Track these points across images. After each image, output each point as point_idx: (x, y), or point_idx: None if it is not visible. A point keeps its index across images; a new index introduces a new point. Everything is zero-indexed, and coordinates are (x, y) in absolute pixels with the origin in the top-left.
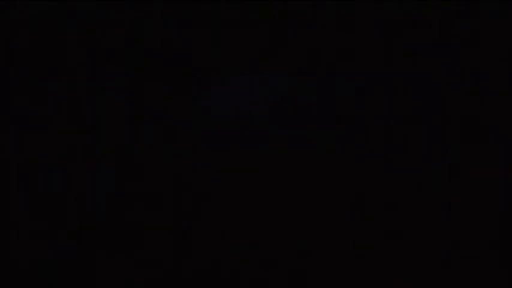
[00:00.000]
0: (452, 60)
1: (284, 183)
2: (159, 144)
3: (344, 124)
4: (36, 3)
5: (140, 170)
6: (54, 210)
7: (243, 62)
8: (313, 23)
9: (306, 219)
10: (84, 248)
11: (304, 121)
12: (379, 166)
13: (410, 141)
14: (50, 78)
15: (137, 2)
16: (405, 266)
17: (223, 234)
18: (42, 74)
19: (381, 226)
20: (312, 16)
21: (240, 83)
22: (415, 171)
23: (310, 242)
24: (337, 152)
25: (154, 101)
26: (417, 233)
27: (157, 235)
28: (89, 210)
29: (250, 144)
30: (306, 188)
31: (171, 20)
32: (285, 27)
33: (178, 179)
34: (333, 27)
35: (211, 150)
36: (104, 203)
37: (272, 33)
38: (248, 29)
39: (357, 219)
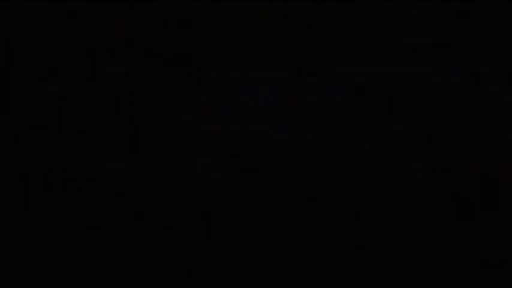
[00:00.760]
0: (452, 60)
1: (284, 183)
2: (159, 144)
3: (344, 124)
4: (36, 3)
5: (140, 170)
6: (53, 211)
7: (243, 62)
8: (313, 23)
9: (306, 219)
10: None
11: (304, 121)
12: (379, 166)
13: (410, 141)
14: (50, 78)
15: (137, 2)
16: (406, 266)
17: (223, 235)
18: (42, 74)
19: (381, 226)
20: (312, 16)
21: (240, 82)
22: (414, 171)
23: (310, 242)
24: (336, 152)
25: (155, 101)
26: (417, 233)
27: (158, 236)
28: (93, 211)
29: (250, 144)
30: (306, 188)
31: (171, 20)
32: (285, 27)
33: (178, 179)
34: (333, 27)
35: (211, 149)
36: (107, 205)
37: (272, 33)
38: (248, 29)
39: (356, 219)
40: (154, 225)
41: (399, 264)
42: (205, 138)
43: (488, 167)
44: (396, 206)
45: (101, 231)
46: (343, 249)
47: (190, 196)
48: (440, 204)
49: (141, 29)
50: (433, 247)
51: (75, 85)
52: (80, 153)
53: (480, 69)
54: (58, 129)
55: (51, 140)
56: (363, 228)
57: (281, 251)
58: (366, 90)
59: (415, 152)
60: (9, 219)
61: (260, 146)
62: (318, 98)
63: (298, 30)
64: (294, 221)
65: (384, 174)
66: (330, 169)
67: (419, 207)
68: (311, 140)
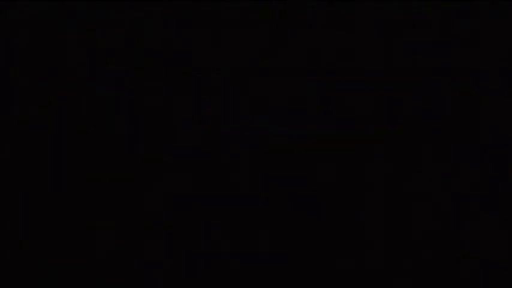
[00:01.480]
0: (452, 60)
1: (284, 183)
2: (159, 144)
3: (344, 124)
4: (36, 3)
5: (140, 170)
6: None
7: (243, 62)
8: (313, 23)
9: (306, 219)
10: None
11: (305, 121)
12: (379, 166)
13: (410, 141)
14: (50, 78)
15: (137, 2)
16: (405, 266)
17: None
18: (42, 74)
19: (381, 226)
20: (312, 16)
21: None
22: (415, 171)
23: (310, 242)
24: (336, 152)
25: (155, 101)
26: (417, 233)
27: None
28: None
29: (250, 144)
30: (305, 188)
31: (171, 20)
32: (285, 27)
33: (178, 179)
34: (333, 27)
35: (210, 149)
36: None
37: (272, 33)
38: (248, 29)
39: (356, 219)
40: (156, 226)
41: (399, 264)
42: (205, 137)
43: (488, 167)
44: (396, 206)
45: (101, 231)
46: (343, 249)
47: (191, 196)
48: (440, 205)
49: (141, 29)
50: (433, 247)
51: (75, 85)
52: (80, 153)
53: (480, 69)
54: (58, 130)
55: (51, 140)
56: (363, 229)
57: (282, 252)
58: (366, 90)
59: (415, 151)
60: (8, 219)
61: (261, 146)
62: (318, 98)
63: (298, 30)
64: (293, 221)
65: (383, 174)
66: (329, 169)
67: (420, 207)
68: (311, 140)
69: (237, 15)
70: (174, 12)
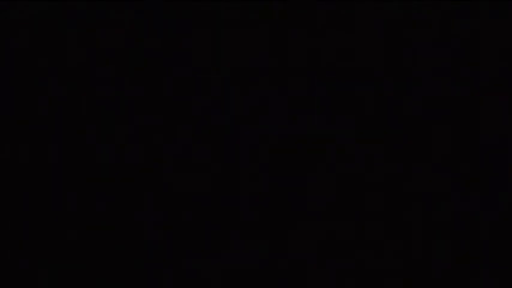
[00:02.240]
0: (452, 60)
1: (284, 182)
2: (159, 144)
3: (344, 124)
4: (36, 3)
5: (140, 170)
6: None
7: (243, 62)
8: (313, 23)
9: (307, 219)
10: None
11: (305, 121)
12: (379, 166)
13: (410, 141)
14: (50, 78)
15: (137, 2)
16: (405, 266)
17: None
18: (42, 74)
19: (381, 226)
20: (312, 16)
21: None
22: (415, 171)
23: (310, 242)
24: (336, 152)
25: (155, 101)
26: (417, 233)
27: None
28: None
29: (250, 144)
30: (305, 188)
31: (171, 20)
32: (285, 27)
33: (178, 179)
34: (333, 27)
35: (210, 149)
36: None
37: (272, 33)
38: (248, 29)
39: (357, 219)
40: (155, 227)
41: (399, 265)
42: (205, 137)
43: (488, 168)
44: (396, 206)
45: (101, 231)
46: (343, 249)
47: (194, 196)
48: (440, 205)
49: (141, 29)
50: (433, 247)
51: (75, 85)
52: (80, 153)
53: (480, 69)
54: (58, 130)
55: (51, 140)
56: (363, 229)
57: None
58: (366, 90)
59: (416, 151)
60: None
61: (261, 146)
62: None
63: (298, 30)
64: (294, 220)
65: (383, 174)
66: (329, 168)
67: (420, 207)
68: (311, 140)
69: (237, 15)
70: (174, 12)
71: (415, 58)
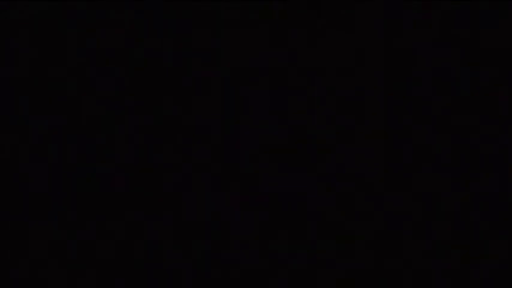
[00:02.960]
0: (452, 60)
1: (284, 182)
2: (159, 145)
3: (344, 124)
4: (36, 3)
5: (140, 170)
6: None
7: (243, 62)
8: (313, 23)
9: (306, 219)
10: None
11: (305, 120)
12: (379, 166)
13: (410, 141)
14: (50, 78)
15: (137, 2)
16: (405, 266)
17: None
18: (42, 74)
19: (382, 226)
20: (311, 16)
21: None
22: (415, 172)
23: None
24: (336, 152)
25: (154, 101)
26: (417, 233)
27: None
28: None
29: (250, 143)
30: (305, 187)
31: (171, 20)
32: (285, 27)
33: (178, 179)
34: (333, 27)
35: (210, 149)
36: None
37: (272, 33)
38: (248, 29)
39: (356, 219)
40: (155, 226)
41: (399, 265)
42: (205, 137)
43: (488, 168)
44: (396, 207)
45: (101, 231)
46: (343, 249)
47: (190, 196)
48: (440, 205)
49: (141, 29)
50: (433, 246)
51: (75, 85)
52: (80, 153)
53: (480, 69)
54: (58, 130)
55: (51, 140)
56: (363, 229)
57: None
58: (366, 90)
59: (416, 151)
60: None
61: (260, 145)
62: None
63: (298, 30)
64: (294, 220)
65: (384, 174)
66: (328, 168)
67: (420, 207)
68: (312, 140)
69: (237, 15)
70: (174, 12)
71: (415, 58)
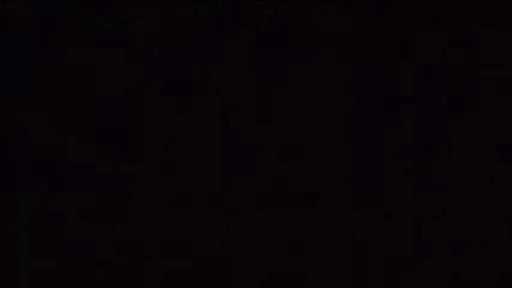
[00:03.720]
0: (452, 60)
1: (284, 182)
2: (159, 144)
3: (344, 124)
4: (36, 3)
5: (141, 170)
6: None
7: (243, 62)
8: (313, 23)
9: (306, 219)
10: None
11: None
12: (379, 166)
13: (410, 140)
14: (50, 78)
15: (137, 2)
16: (405, 267)
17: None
18: (42, 74)
19: (382, 226)
20: (311, 16)
21: None
22: (415, 172)
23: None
24: (336, 152)
25: (155, 102)
26: (417, 233)
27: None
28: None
29: (250, 143)
30: (305, 187)
31: (171, 19)
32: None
33: (178, 179)
34: (333, 27)
35: (211, 149)
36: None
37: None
38: (248, 29)
39: (357, 219)
40: (155, 226)
41: (399, 265)
42: (205, 137)
43: (488, 168)
44: (396, 206)
45: (100, 231)
46: (343, 249)
47: (190, 196)
48: (440, 205)
49: (141, 29)
50: (433, 247)
51: (75, 85)
52: (80, 153)
53: (480, 69)
54: (58, 130)
55: (51, 140)
56: (363, 229)
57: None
58: (366, 90)
59: (416, 151)
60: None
61: (260, 145)
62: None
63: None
64: (294, 220)
65: (383, 175)
66: (329, 168)
67: (420, 207)
68: (312, 140)
69: (237, 15)
70: (174, 12)
71: (415, 58)
